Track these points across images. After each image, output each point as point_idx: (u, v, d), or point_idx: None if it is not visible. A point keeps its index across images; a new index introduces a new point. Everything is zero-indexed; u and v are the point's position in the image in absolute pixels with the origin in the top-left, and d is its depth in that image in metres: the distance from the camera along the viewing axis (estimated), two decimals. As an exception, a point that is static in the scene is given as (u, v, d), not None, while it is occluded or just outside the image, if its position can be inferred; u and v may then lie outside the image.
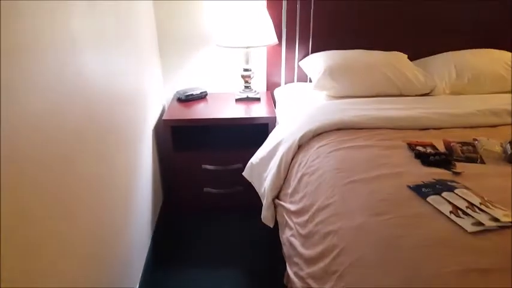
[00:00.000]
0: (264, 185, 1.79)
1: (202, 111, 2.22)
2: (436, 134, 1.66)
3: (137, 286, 1.74)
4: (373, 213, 1.11)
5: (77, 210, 1.09)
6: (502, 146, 1.48)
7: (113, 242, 1.43)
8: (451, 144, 1.52)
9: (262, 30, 2.14)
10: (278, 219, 1.68)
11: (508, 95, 1.99)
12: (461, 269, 0.87)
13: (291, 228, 1.46)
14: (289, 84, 2.49)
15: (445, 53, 2.32)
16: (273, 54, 2.44)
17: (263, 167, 1.85)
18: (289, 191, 1.60)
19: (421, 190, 1.16)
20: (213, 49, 2.39)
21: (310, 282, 1.13)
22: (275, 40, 2.23)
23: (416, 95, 2.13)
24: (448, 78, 2.14)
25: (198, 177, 2.24)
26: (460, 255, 0.91)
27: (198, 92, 2.39)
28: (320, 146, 1.58)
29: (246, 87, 2.39)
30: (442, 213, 1.06)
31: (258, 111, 2.22)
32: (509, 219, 1.01)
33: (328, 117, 1.74)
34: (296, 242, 1.36)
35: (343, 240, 1.09)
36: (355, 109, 1.83)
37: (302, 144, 1.67)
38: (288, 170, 1.68)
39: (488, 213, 1.03)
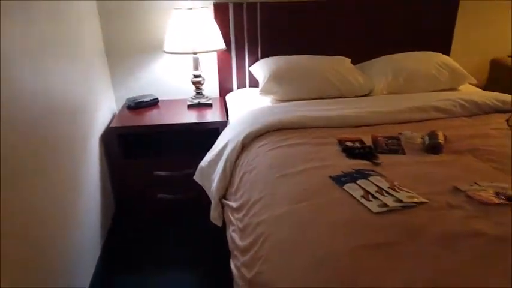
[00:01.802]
0: (213, 186, 1.95)
1: (152, 117, 2.36)
2: (368, 130, 1.87)
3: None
4: (295, 201, 1.28)
5: (9, 224, 1.17)
6: (422, 138, 1.70)
7: (51, 249, 1.51)
8: (378, 138, 1.73)
9: (209, 36, 2.31)
10: (225, 217, 1.84)
11: (437, 93, 2.25)
12: (361, 244, 1.05)
13: (232, 224, 1.61)
14: (240, 90, 2.66)
15: (383, 57, 2.57)
16: (224, 60, 2.61)
17: (212, 169, 2.00)
18: (233, 189, 1.76)
19: (340, 179, 1.36)
20: (164, 56, 2.54)
21: (243, 270, 1.27)
22: (222, 46, 2.40)
23: (356, 96, 2.35)
24: (385, 79, 2.38)
25: (151, 183, 2.37)
26: (363, 232, 1.10)
27: (149, 99, 2.52)
28: (260, 146, 1.76)
29: (198, 93, 2.55)
30: (355, 198, 1.25)
31: (209, 116, 2.38)
32: (412, 200, 1.21)
33: (269, 118, 1.92)
34: (236, 236, 1.52)
35: (268, 228, 1.25)
36: (296, 110, 2.03)
37: (245, 145, 1.84)
38: (233, 170, 1.84)
39: (394, 196, 1.23)
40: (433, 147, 1.60)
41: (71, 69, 1.82)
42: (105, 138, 2.28)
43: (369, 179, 1.34)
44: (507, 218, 1.14)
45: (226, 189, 1.87)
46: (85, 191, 1.94)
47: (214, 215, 1.92)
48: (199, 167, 2.11)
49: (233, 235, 1.55)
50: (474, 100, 2.05)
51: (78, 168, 1.87)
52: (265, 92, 2.29)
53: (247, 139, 1.84)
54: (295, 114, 1.93)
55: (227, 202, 1.79)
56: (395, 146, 1.66)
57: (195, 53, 2.36)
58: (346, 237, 1.09)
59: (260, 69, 2.44)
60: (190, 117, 2.36)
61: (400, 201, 1.20)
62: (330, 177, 1.39)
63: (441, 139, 1.62)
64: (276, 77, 2.29)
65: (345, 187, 1.31)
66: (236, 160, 1.83)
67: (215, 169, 1.98)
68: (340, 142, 1.71)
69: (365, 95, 2.39)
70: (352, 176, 1.37)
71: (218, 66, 2.62)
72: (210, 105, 2.52)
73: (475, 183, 1.33)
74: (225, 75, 2.65)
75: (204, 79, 2.51)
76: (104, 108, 2.35)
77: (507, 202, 1.20)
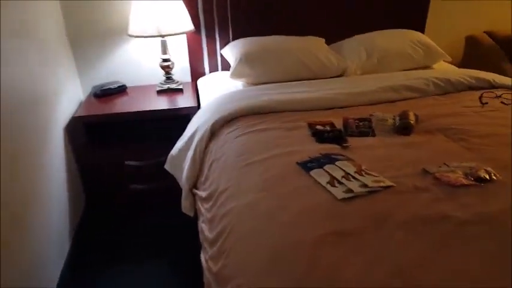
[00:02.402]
0: (183, 175, 1.89)
1: (120, 105, 2.28)
2: (340, 112, 1.83)
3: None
4: (260, 189, 1.24)
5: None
6: (393, 119, 1.67)
7: (15, 247, 1.46)
8: (349, 120, 1.70)
9: (176, 17, 2.22)
10: (196, 208, 1.79)
11: (411, 72, 2.22)
12: (323, 233, 1.02)
13: (202, 215, 1.57)
14: (213, 74, 2.59)
15: (357, 36, 2.52)
16: (194, 43, 2.53)
17: (182, 157, 1.94)
18: (203, 178, 1.71)
19: (307, 165, 1.32)
20: (131, 40, 2.44)
21: (210, 263, 1.23)
22: (191, 27, 2.31)
23: (330, 77, 2.30)
24: (358, 59, 2.34)
25: (122, 174, 2.30)
26: (327, 220, 1.07)
27: (116, 86, 2.43)
28: (229, 132, 1.71)
29: (168, 78, 2.47)
30: (321, 184, 1.22)
31: (180, 102, 2.31)
32: (378, 184, 1.18)
33: (239, 103, 1.87)
34: (205, 228, 1.47)
35: (234, 219, 1.21)
36: (267, 94, 1.97)
37: (214, 132, 1.79)
38: (203, 158, 1.79)
39: (360, 181, 1.20)
40: (404, 128, 1.57)
41: (29, 59, 1.73)
42: (71, 129, 2.19)
43: (336, 163, 1.31)
44: (475, 199, 1.12)
45: (197, 178, 1.82)
46: (49, 184, 1.87)
47: (185, 205, 1.87)
48: (170, 156, 2.05)
49: (203, 226, 1.51)
50: (447, 78, 2.02)
51: (41, 161, 1.80)
52: (236, 75, 2.23)
53: (216, 125, 1.78)
54: (266, 99, 1.87)
55: (197, 192, 1.74)
56: (365, 128, 1.63)
57: (162, 36, 2.27)
58: (309, 226, 1.05)
59: (231, 51, 2.36)
60: (160, 103, 2.29)
61: (366, 186, 1.17)
62: (297, 163, 1.35)
63: (412, 119, 1.59)
64: (247, 60, 2.23)
65: (311, 173, 1.27)
66: (206, 148, 1.78)
67: (185, 157, 1.92)
68: (311, 126, 1.67)
69: (339, 76, 2.34)
70: (319, 162, 1.33)
71: (188, 49, 2.53)
72: (180, 91, 2.44)
73: (444, 164, 1.30)
74: (196, 59, 2.57)
75: (173, 63, 2.43)
76: (69, 97, 2.26)
77: (475, 183, 1.18)
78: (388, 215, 1.06)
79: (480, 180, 1.19)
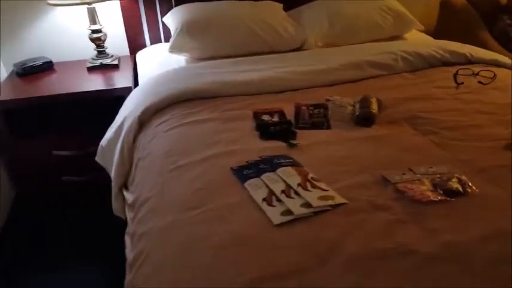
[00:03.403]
0: (112, 172, 1.62)
1: (44, 86, 1.95)
2: (293, 96, 1.58)
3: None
4: (185, 207, 0.99)
5: None
6: (353, 106, 1.42)
7: None
8: (301, 108, 1.44)
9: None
10: (126, 211, 1.53)
11: (377, 44, 1.95)
12: (256, 276, 0.78)
13: (128, 225, 1.32)
14: (154, 46, 2.26)
15: (319, 1, 2.22)
16: (129, 9, 2.18)
17: (112, 149, 1.66)
18: (131, 178, 1.44)
19: (243, 173, 1.06)
20: (56, 10, 2.07)
21: (127, 291, 1.01)
22: (119, -9, 1.97)
23: (289, 51, 2.02)
24: (319, 28, 2.06)
25: (52, 165, 2.00)
26: (259, 256, 0.83)
27: (40, 62, 2.09)
28: (159, 124, 1.43)
29: (100, 52, 2.13)
30: (255, 201, 0.97)
31: (115, 80, 2.00)
32: (324, 203, 0.94)
33: (173, 86, 1.57)
34: (127, 243, 1.23)
35: (149, 245, 0.96)
36: (210, 73, 1.68)
37: (144, 122, 1.50)
38: (132, 153, 1.51)
39: (303, 198, 0.95)
40: (364, 119, 1.33)
41: None
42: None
43: (278, 171, 1.06)
44: (444, 222, 0.90)
45: (127, 177, 1.55)
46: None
47: (116, 207, 1.62)
48: (100, 147, 1.76)
49: (126, 239, 1.26)
50: (418, 52, 1.77)
51: None
52: (175, 49, 1.91)
53: (145, 115, 1.50)
54: (206, 80, 1.59)
55: (125, 193, 1.48)
56: (319, 118, 1.38)
57: (88, 3, 1.92)
58: (235, 265, 0.81)
59: (172, 20, 2.03)
60: (91, 83, 1.98)
61: (310, 205, 0.92)
62: (232, 169, 1.09)
63: (374, 108, 1.35)
64: (189, 30, 1.91)
65: (246, 185, 1.02)
66: (134, 141, 1.50)
67: (115, 150, 1.64)
68: (256, 115, 1.40)
69: (298, 49, 2.05)
70: (258, 168, 1.08)
71: (123, 17, 2.18)
72: (115, 67, 2.11)
73: (410, 170, 1.07)
74: (134, 28, 2.22)
75: (105, 34, 2.09)
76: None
77: (445, 198, 0.95)
78: (336, 247, 0.83)
79: (451, 193, 0.96)
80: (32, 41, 2.14)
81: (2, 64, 2.13)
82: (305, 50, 2.05)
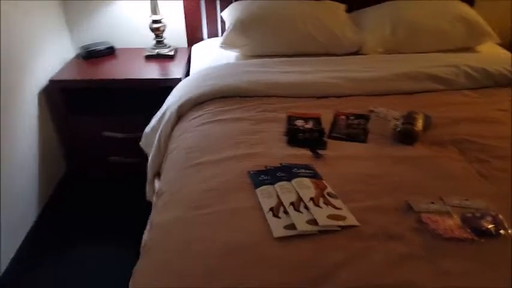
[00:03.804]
0: (149, 159, 1.67)
1: (102, 70, 2.06)
2: (337, 102, 1.50)
3: (6, 266, 1.68)
4: (192, 206, 0.98)
5: None
6: (397, 120, 1.32)
7: None
8: (340, 116, 1.36)
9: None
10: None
11: (442, 55, 1.80)
12: None
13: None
14: (211, 40, 2.28)
15: (386, 3, 2.09)
16: (191, 3, 2.21)
17: (153, 137, 1.71)
18: (162, 168, 1.47)
19: (259, 178, 1.03)
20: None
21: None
22: (183, -16, 2.00)
23: (345, 54, 1.93)
24: (380, 33, 1.94)
25: (101, 145, 2.12)
26: (244, 269, 0.79)
27: (103, 47, 2.20)
28: (194, 118, 1.44)
29: (158, 42, 2.20)
30: (262, 209, 0.93)
31: (168, 71, 2.05)
32: (333, 223, 0.87)
33: (215, 82, 1.57)
34: (147, 228, 1.26)
35: (154, 237, 0.97)
36: (254, 72, 1.66)
37: (182, 114, 1.52)
38: (168, 143, 1.54)
39: (311, 213, 0.89)
40: (405, 136, 1.22)
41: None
42: (48, 93, 2.01)
43: (293, 181, 1.01)
44: (463, 264, 0.79)
45: (161, 166, 1.59)
46: (14, 150, 1.74)
47: (148, 193, 1.67)
48: (144, 133, 1.82)
49: (147, 227, 1.29)
50: (484, 68, 1.60)
51: (11, 127, 1.70)
52: (226, 44, 1.91)
53: (183, 108, 1.52)
54: (246, 79, 1.56)
55: (155, 181, 1.52)
56: (356, 130, 1.29)
57: (151, -6, 1.99)
58: (223, 277, 0.78)
59: (228, 15, 2.03)
60: (146, 71, 2.05)
61: (316, 223, 0.86)
62: (249, 173, 1.06)
63: (418, 125, 1.23)
64: (242, 27, 1.90)
65: (257, 191, 0.98)
66: (171, 132, 1.52)
67: (155, 139, 1.68)
68: (290, 119, 1.35)
69: (354, 53, 1.95)
70: (275, 175, 1.04)
71: (184, 9, 2.22)
72: (171, 57, 2.17)
73: (440, 198, 0.96)
74: (194, 21, 2.26)
75: (165, 25, 2.15)
76: (51, 58, 2.05)
77: (473, 237, 0.84)
78: (330, 275, 0.77)
79: (480, 232, 0.85)
80: (100, 25, 2.26)
81: (71, 46, 2.28)
82: (362, 54, 1.95)
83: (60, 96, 2.00)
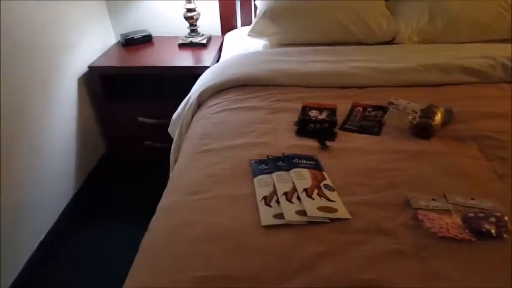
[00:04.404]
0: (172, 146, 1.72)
1: (138, 57, 2.13)
2: (358, 93, 1.46)
3: (45, 234, 1.82)
4: (190, 191, 1.00)
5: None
6: (416, 113, 1.26)
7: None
8: (356, 108, 1.33)
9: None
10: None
11: (480, 46, 1.68)
12: (201, 275, 0.75)
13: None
14: (244, 28, 2.28)
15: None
16: (226, -9, 2.23)
17: (178, 124, 1.76)
18: (180, 155, 1.52)
19: (259, 167, 1.03)
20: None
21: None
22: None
23: (377, 44, 1.87)
24: (416, 22, 1.84)
25: (136, 129, 2.20)
26: (226, 255, 0.80)
27: (140, 35, 2.28)
28: (211, 105, 1.47)
29: (192, 30, 2.24)
30: (256, 198, 0.94)
31: (201, 59, 2.10)
32: (322, 214, 0.86)
33: (235, 70, 1.59)
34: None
35: (154, 221, 0.99)
36: (277, 61, 1.65)
37: (202, 102, 1.56)
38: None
39: (302, 204, 0.89)
40: (421, 129, 1.17)
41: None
42: (87, 78, 2.13)
43: (292, 171, 1.00)
44: (453, 266, 0.75)
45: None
46: (55, 133, 1.87)
47: (171, 178, 1.71)
48: (172, 119, 1.87)
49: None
50: (524, 60, 1.47)
51: (48, 109, 1.81)
52: (255, 32, 1.91)
53: (203, 96, 1.55)
54: (267, 67, 1.56)
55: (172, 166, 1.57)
56: (370, 122, 1.25)
57: (185, -17, 2.02)
58: (203, 259, 0.80)
59: (261, 3, 2.03)
60: (180, 59, 2.10)
61: (305, 213, 0.86)
62: (251, 161, 1.07)
63: (437, 118, 1.17)
64: (272, 15, 1.88)
65: (255, 179, 0.99)
66: (192, 120, 1.56)
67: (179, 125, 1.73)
68: (305, 109, 1.34)
69: (388, 42, 1.88)
70: (276, 164, 1.03)
71: (220, -3, 2.24)
72: (204, 46, 2.20)
73: (444, 196, 0.92)
74: (228, 9, 2.27)
75: (199, 14, 2.18)
76: (93, 45, 2.17)
77: (470, 237, 0.80)
78: (311, 266, 0.76)
79: (480, 234, 0.80)
80: (138, 15, 2.34)
81: (113, 34, 2.38)
82: (396, 43, 1.87)
83: (98, 82, 2.10)
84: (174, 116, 1.80)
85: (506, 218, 0.83)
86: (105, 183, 2.23)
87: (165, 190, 1.10)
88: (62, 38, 1.89)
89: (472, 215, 0.85)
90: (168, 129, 1.89)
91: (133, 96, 2.20)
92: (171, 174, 1.61)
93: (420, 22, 1.84)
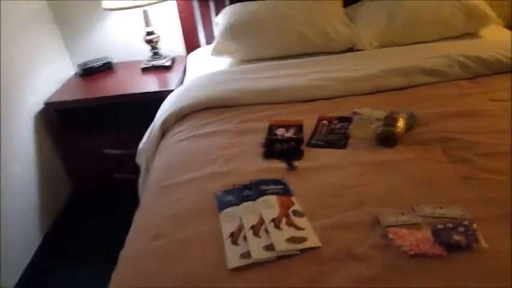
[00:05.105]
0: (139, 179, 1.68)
1: (99, 87, 2.08)
2: (324, 106, 1.45)
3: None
4: (154, 235, 0.96)
5: None
6: (380, 121, 1.25)
7: None
8: (322, 121, 1.32)
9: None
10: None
11: (435, 45, 1.71)
12: None
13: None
14: (207, 46, 2.27)
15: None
16: (185, 10, 2.20)
17: (145, 154, 1.72)
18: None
19: (225, 199, 1.00)
20: (117, 13, 2.19)
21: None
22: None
23: (340, 51, 1.87)
24: (375, 26, 1.86)
25: (105, 163, 2.13)
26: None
27: (101, 63, 2.23)
28: (175, 134, 1.43)
29: (155, 53, 2.21)
30: (223, 236, 0.91)
31: (165, 82, 2.06)
32: (292, 247, 0.84)
33: (199, 93, 1.56)
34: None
35: (118, 267, 0.95)
36: (239, 79, 1.63)
37: (166, 130, 1.52)
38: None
39: (271, 237, 0.86)
40: (384, 138, 1.17)
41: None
42: (44, 115, 2.06)
43: (259, 200, 0.98)
44: (425, 285, 0.74)
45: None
46: (13, 178, 1.78)
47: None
48: (138, 149, 1.83)
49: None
50: (480, 56, 1.50)
51: (6, 151, 1.74)
52: (218, 52, 1.89)
53: (167, 123, 1.51)
54: (230, 87, 1.54)
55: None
56: (336, 135, 1.24)
57: (141, 6, 1.99)
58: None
59: (221, 20, 2.01)
60: (143, 84, 2.06)
61: (273, 248, 0.83)
62: (216, 194, 1.04)
63: (400, 125, 1.17)
64: (232, 32, 1.88)
65: (221, 214, 0.96)
66: (157, 149, 1.52)
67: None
68: (271, 128, 1.32)
69: (350, 50, 1.89)
70: (241, 194, 1.01)
71: (180, 17, 2.21)
72: (168, 68, 2.17)
73: (412, 208, 0.91)
74: (190, 29, 2.25)
75: (158, 36, 2.15)
76: (49, 79, 2.10)
77: (441, 252, 0.79)
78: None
79: (451, 247, 0.79)
80: (96, 43, 2.29)
81: (71, 64, 2.32)
82: (358, 50, 1.88)
83: (57, 118, 2.03)
84: (140, 145, 1.75)
85: (474, 225, 0.83)
86: (75, 225, 2.14)
87: (129, 234, 1.04)
88: (14, 74, 1.82)
89: (441, 226, 0.84)
90: (136, 160, 1.84)
91: (98, 128, 2.13)
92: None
93: (379, 25, 1.86)
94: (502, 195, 0.93)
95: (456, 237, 0.80)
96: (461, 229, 0.82)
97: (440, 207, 0.90)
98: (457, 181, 1.00)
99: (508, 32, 1.89)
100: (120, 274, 0.90)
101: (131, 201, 2.12)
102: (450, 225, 0.84)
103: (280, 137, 1.24)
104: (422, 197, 0.95)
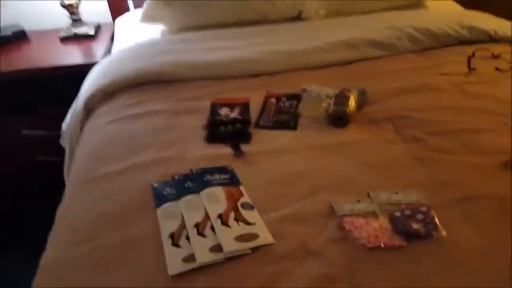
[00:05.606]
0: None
1: (11, 60, 1.84)
2: (269, 82, 1.38)
3: None
4: (78, 239, 0.84)
5: None
6: (330, 99, 1.20)
7: None
8: (270, 99, 1.25)
9: None
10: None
11: (384, 16, 1.68)
12: None
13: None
14: (136, 10, 2.07)
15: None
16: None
17: (68, 136, 1.55)
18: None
19: (163, 192, 0.91)
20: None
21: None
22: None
23: (285, 20, 1.78)
24: (322, -6, 1.79)
25: (25, 144, 1.93)
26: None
27: (10, 32, 1.97)
28: (103, 114, 1.29)
29: (75, 20, 1.98)
30: (162, 236, 0.81)
31: (88, 53, 1.87)
32: (242, 246, 0.77)
33: (129, 66, 1.41)
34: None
35: (35, 284, 0.82)
36: (177, 51, 1.50)
37: (91, 109, 1.37)
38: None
39: (217, 237, 0.79)
40: (336, 119, 1.12)
41: None
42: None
43: (203, 193, 0.89)
44: (383, 281, 0.71)
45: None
46: None
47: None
48: (62, 130, 1.65)
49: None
50: (429, 28, 1.49)
51: None
52: (147, 17, 1.73)
53: (92, 101, 1.36)
54: (165, 60, 1.41)
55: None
56: (285, 115, 1.18)
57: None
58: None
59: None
60: (62, 56, 1.86)
61: (221, 249, 0.76)
62: (152, 186, 0.94)
63: (351, 104, 1.13)
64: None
65: (159, 210, 0.87)
66: (81, 131, 1.37)
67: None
68: (214, 108, 1.22)
69: (297, 18, 1.80)
70: (182, 186, 0.92)
71: (103, -23, 2.00)
72: (92, 37, 1.96)
73: (368, 195, 0.88)
74: (115, -11, 2.04)
75: (78, 1, 1.92)
76: None
77: (400, 243, 0.76)
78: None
79: (410, 235, 0.77)
80: (3, 7, 2.01)
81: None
82: (303, 19, 1.80)
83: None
84: (64, 126, 1.58)
85: (433, 212, 0.81)
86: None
87: (50, 236, 0.91)
88: None
89: (399, 214, 0.82)
90: (60, 141, 1.67)
91: (14, 106, 1.91)
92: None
93: (325, -6, 1.78)
94: (455, 177, 0.92)
95: (415, 226, 0.78)
96: (420, 216, 0.80)
97: (396, 193, 0.88)
98: (411, 163, 0.98)
99: (452, 2, 1.90)
100: (39, 283, 0.78)
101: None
102: (408, 212, 0.81)
103: (224, 118, 1.16)
104: (377, 181, 0.93)
